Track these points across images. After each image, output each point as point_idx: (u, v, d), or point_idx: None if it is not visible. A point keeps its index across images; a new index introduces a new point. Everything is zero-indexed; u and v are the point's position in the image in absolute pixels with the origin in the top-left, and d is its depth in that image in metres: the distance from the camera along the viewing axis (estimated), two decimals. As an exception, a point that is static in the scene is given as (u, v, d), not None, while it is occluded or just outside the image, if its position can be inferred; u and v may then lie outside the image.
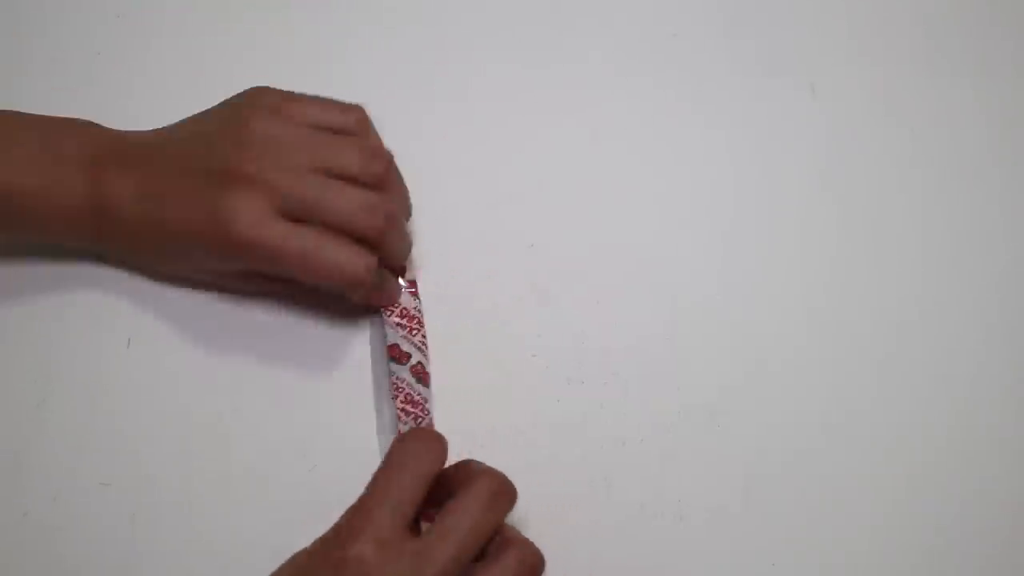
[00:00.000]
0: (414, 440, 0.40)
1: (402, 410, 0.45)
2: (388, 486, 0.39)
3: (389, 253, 0.46)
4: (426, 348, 0.47)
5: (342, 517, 0.39)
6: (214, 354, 0.48)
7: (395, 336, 0.47)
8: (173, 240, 0.45)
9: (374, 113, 0.54)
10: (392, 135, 0.53)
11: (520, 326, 0.49)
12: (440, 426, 0.46)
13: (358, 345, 0.48)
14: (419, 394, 0.46)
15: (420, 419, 0.45)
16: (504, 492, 0.40)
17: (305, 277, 0.44)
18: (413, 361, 0.46)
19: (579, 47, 0.56)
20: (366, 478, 0.45)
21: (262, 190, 0.43)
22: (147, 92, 0.53)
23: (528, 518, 0.44)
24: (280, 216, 0.43)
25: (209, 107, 0.47)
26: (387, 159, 0.46)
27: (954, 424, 0.48)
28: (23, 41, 0.54)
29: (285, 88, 0.47)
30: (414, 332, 0.47)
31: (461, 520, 0.38)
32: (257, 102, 0.46)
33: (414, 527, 0.39)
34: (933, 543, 0.46)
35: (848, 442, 0.47)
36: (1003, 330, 0.50)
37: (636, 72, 0.56)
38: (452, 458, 0.45)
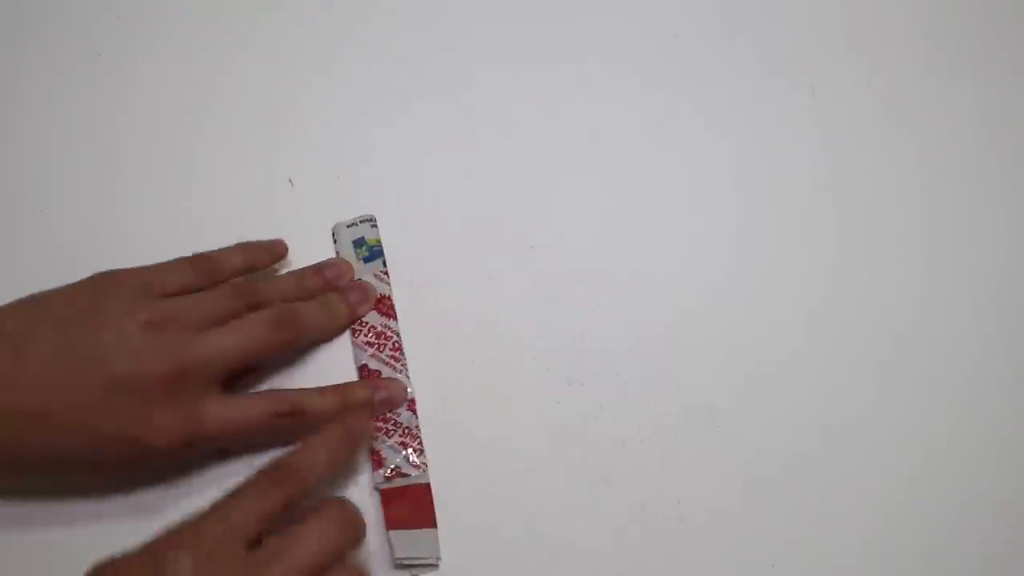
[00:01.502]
0: (272, 472, 0.39)
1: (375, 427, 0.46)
2: (229, 504, 0.38)
3: (312, 334, 0.46)
4: (397, 361, 0.47)
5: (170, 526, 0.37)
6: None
7: (363, 356, 0.47)
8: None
9: (375, 112, 0.54)
10: (392, 136, 0.53)
11: (520, 327, 0.49)
12: (440, 427, 0.46)
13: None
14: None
15: (390, 432, 0.45)
16: (351, 523, 0.39)
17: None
18: (382, 376, 0.47)
19: (579, 48, 0.56)
20: (356, 476, 0.45)
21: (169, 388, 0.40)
22: (147, 93, 0.53)
23: (528, 519, 0.45)
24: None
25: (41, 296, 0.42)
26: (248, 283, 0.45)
27: (954, 425, 0.48)
28: (23, 42, 0.54)
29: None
30: (382, 348, 0.47)
31: (300, 542, 0.37)
32: (111, 290, 0.42)
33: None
34: (933, 543, 0.46)
35: (848, 443, 0.47)
36: (1003, 330, 0.50)
37: (636, 73, 0.56)
38: (451, 461, 0.46)
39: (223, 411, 0.42)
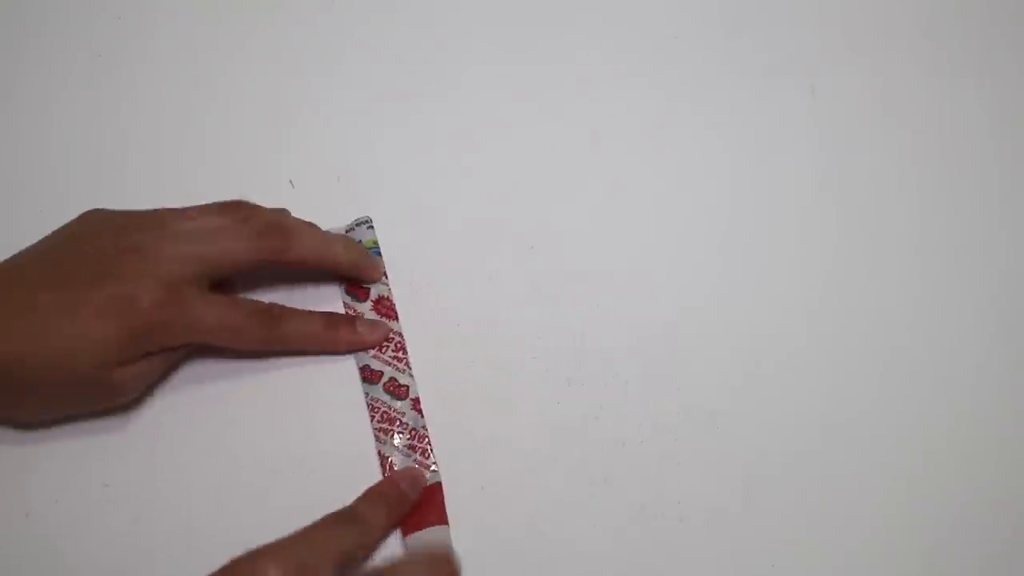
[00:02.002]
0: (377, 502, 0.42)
1: (379, 429, 0.46)
2: (310, 533, 0.39)
3: (302, 252, 0.46)
4: (400, 361, 0.47)
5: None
6: (214, 355, 0.48)
7: (365, 358, 0.47)
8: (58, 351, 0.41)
9: (375, 113, 0.54)
10: (392, 136, 0.53)
11: (520, 328, 0.49)
12: (440, 427, 0.46)
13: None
14: (395, 410, 0.46)
15: (398, 435, 0.45)
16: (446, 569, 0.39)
17: (211, 340, 0.44)
18: (385, 378, 0.47)
19: (579, 48, 0.56)
20: (363, 478, 0.45)
21: (152, 260, 0.42)
22: (147, 93, 0.53)
23: (528, 519, 0.45)
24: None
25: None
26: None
27: (954, 425, 0.48)
28: (24, 43, 0.54)
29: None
30: (384, 348, 0.47)
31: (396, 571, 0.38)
32: (96, 217, 0.44)
33: None
34: (933, 544, 0.46)
35: (848, 443, 0.47)
36: (1003, 330, 0.50)
37: (636, 73, 0.56)
38: (451, 461, 0.46)
39: (208, 305, 0.43)
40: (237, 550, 0.44)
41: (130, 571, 0.43)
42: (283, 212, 0.47)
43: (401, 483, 0.44)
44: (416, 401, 0.46)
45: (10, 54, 0.54)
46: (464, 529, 0.44)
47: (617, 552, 0.44)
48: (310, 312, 0.47)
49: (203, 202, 0.50)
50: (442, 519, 0.44)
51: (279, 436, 0.46)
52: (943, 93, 0.56)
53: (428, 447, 0.45)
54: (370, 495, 0.43)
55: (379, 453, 0.45)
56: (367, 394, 0.46)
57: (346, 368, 0.47)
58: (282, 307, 0.46)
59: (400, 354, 0.47)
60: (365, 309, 0.48)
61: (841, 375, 0.49)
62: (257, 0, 0.57)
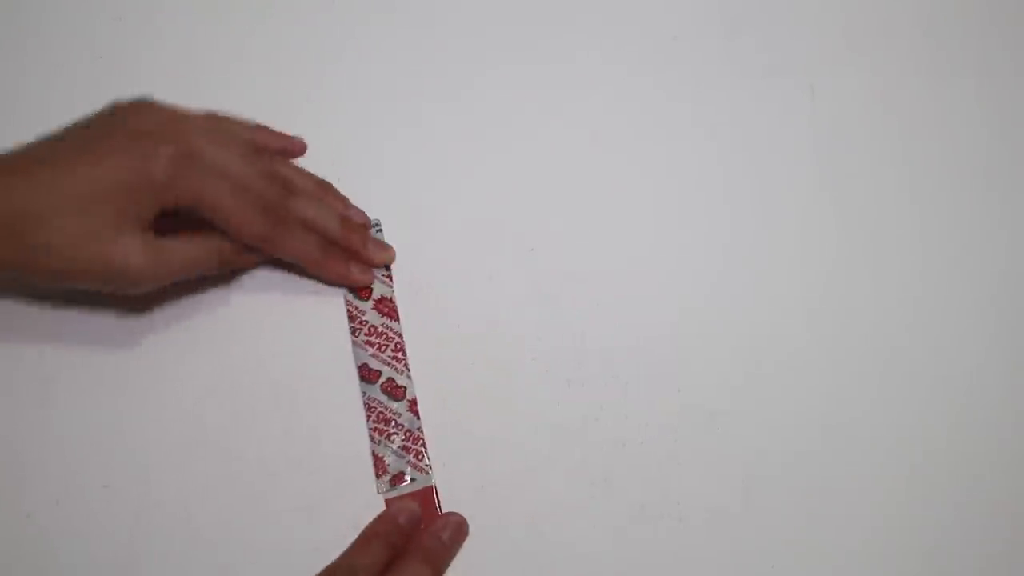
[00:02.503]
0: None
1: (375, 430, 0.46)
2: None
3: (304, 216, 0.47)
4: (399, 362, 0.47)
5: None
6: (215, 355, 0.48)
7: (364, 356, 0.47)
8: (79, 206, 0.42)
9: (375, 114, 0.54)
10: (392, 136, 0.53)
11: (521, 329, 0.49)
12: (440, 428, 0.46)
13: (359, 347, 0.48)
14: (391, 411, 0.46)
15: (392, 436, 0.45)
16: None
17: (215, 216, 0.44)
18: (384, 378, 0.47)
19: (580, 49, 0.56)
20: (365, 482, 0.45)
21: (173, 140, 0.43)
22: (147, 94, 0.53)
23: (528, 519, 0.45)
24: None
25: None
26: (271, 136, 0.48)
27: (953, 424, 0.48)
28: (24, 44, 0.54)
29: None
30: (383, 348, 0.47)
31: None
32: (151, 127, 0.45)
33: None
34: (933, 543, 0.46)
35: (848, 443, 0.47)
36: (1003, 330, 0.50)
37: (636, 74, 0.56)
38: (451, 461, 0.46)
39: (221, 176, 0.44)
40: (236, 550, 0.44)
41: (130, 571, 0.43)
42: (323, 187, 0.49)
43: (399, 517, 0.44)
44: (413, 402, 0.46)
45: (11, 55, 0.54)
46: (473, 532, 0.44)
47: (617, 552, 0.44)
48: (311, 229, 0.47)
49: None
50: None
51: (279, 437, 0.46)
52: (943, 93, 0.56)
53: (423, 449, 0.45)
54: (367, 537, 0.43)
55: (373, 453, 0.45)
56: (364, 393, 0.46)
57: (346, 368, 0.48)
58: (290, 213, 0.46)
59: (399, 355, 0.47)
60: (367, 308, 0.48)
61: (841, 375, 0.49)
62: (257, 1, 0.57)
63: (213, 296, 0.49)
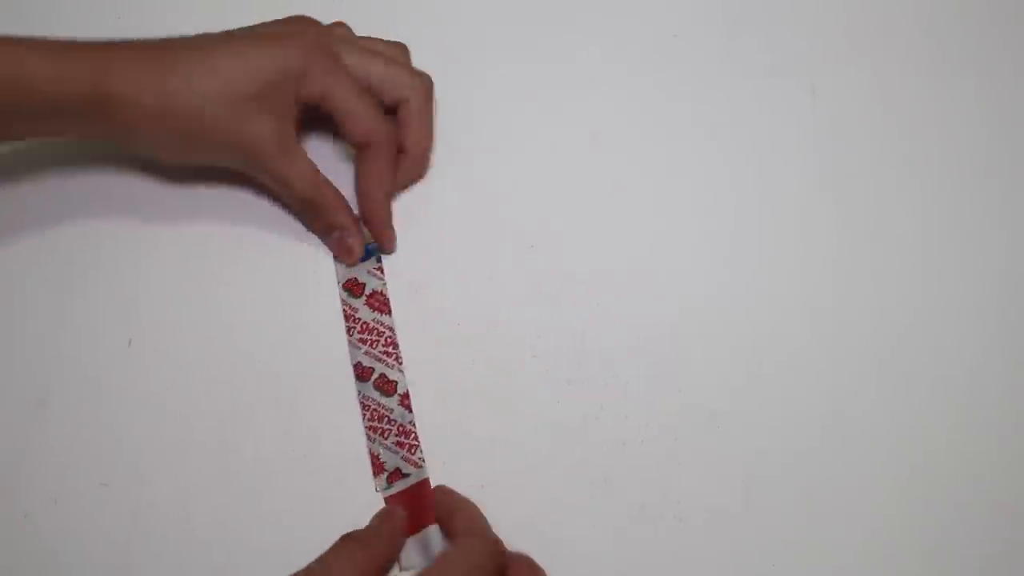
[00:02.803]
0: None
1: (370, 428, 0.46)
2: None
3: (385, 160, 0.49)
4: (390, 356, 0.47)
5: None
6: (214, 355, 0.48)
7: (357, 354, 0.47)
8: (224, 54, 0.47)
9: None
10: (392, 136, 0.53)
11: (520, 327, 0.49)
12: (440, 427, 0.46)
13: (358, 346, 0.48)
14: (384, 407, 0.46)
15: (387, 432, 0.45)
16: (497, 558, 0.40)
17: (338, 107, 0.48)
18: (376, 375, 0.47)
19: (579, 47, 0.56)
20: (365, 481, 0.45)
21: (313, 40, 0.48)
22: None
23: (529, 519, 0.44)
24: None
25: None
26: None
27: (954, 424, 0.48)
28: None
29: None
30: (374, 344, 0.47)
31: None
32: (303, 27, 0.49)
33: None
34: (933, 543, 0.45)
35: (848, 443, 0.47)
36: (1003, 330, 0.50)
37: (636, 72, 0.56)
38: (451, 461, 0.46)
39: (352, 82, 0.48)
40: (235, 550, 0.44)
41: (128, 571, 0.43)
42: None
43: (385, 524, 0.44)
44: (404, 396, 0.46)
45: (10, 54, 0.54)
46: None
47: (617, 552, 0.44)
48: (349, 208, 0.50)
49: (204, 202, 0.50)
50: (431, 519, 0.44)
51: (277, 435, 0.46)
52: (943, 93, 0.56)
53: (415, 443, 0.45)
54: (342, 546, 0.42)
55: (370, 452, 0.45)
56: (360, 392, 0.47)
57: (343, 366, 0.47)
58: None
59: (390, 349, 0.47)
60: (360, 305, 0.48)
61: (841, 375, 0.49)
62: (258, 0, 0.56)
63: (211, 294, 0.49)
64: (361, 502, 0.44)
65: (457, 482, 0.45)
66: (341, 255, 0.49)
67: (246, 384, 0.47)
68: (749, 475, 0.46)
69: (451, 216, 0.51)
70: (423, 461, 0.45)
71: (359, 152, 0.50)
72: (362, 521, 0.43)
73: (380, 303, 0.48)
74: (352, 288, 0.49)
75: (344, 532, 0.42)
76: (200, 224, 0.51)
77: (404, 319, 0.49)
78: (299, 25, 0.49)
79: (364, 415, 0.46)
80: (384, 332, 0.48)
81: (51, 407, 0.46)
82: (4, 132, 0.47)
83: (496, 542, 0.41)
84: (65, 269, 0.49)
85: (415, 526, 0.44)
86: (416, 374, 0.47)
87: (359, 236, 0.49)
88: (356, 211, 0.50)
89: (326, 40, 0.48)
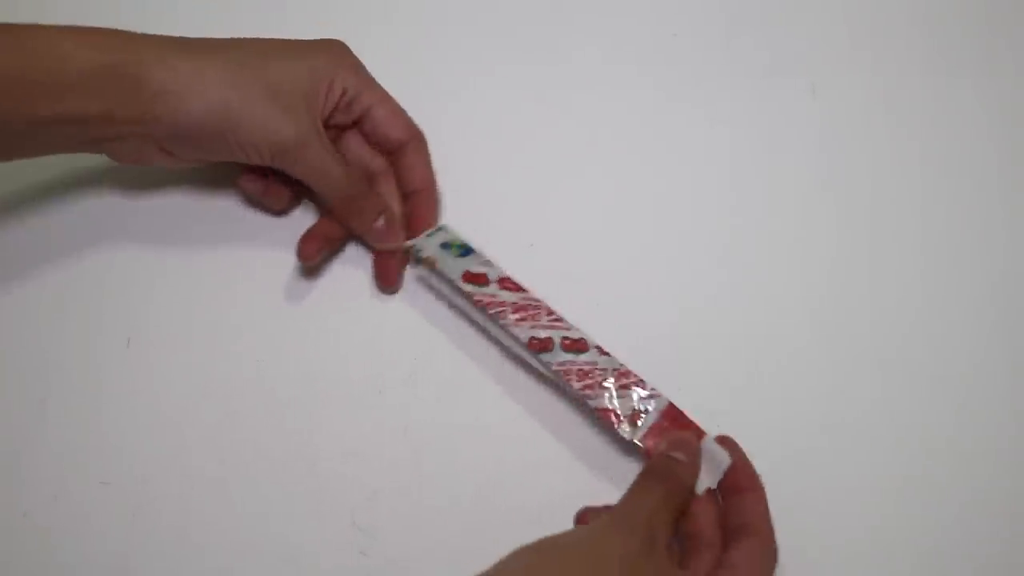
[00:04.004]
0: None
1: (584, 388, 0.44)
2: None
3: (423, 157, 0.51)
4: (560, 322, 0.46)
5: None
6: (214, 355, 0.48)
7: (525, 332, 0.46)
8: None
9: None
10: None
11: (520, 326, 0.49)
12: (440, 426, 0.46)
13: (359, 347, 0.48)
14: (586, 363, 0.45)
15: (604, 384, 0.44)
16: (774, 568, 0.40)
17: (368, 118, 0.49)
18: (558, 340, 0.45)
19: (579, 47, 0.56)
20: (365, 480, 0.45)
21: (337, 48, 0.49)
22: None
23: (529, 519, 0.44)
24: None
25: None
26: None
27: (954, 424, 0.48)
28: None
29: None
30: (537, 317, 0.46)
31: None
32: (339, 44, 0.50)
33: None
34: (933, 543, 0.45)
35: (848, 443, 0.47)
36: (1004, 330, 0.50)
37: (636, 72, 0.56)
38: (451, 460, 0.46)
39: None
40: (236, 549, 0.44)
41: (129, 570, 0.43)
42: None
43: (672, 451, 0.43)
44: (600, 348, 0.45)
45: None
46: (464, 528, 0.44)
47: (617, 551, 0.44)
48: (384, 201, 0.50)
49: (203, 201, 0.50)
50: (700, 431, 0.44)
51: (278, 434, 0.46)
52: (943, 92, 0.56)
53: (639, 378, 0.45)
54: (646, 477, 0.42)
55: (597, 410, 0.44)
56: (551, 364, 0.45)
57: (345, 364, 0.47)
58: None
59: (556, 316, 0.46)
60: (495, 291, 0.47)
61: (841, 375, 0.49)
62: (258, 0, 0.57)
63: (211, 292, 0.49)
64: (362, 500, 0.44)
65: (457, 480, 0.45)
66: (387, 237, 0.49)
67: (246, 383, 0.47)
68: (749, 475, 0.46)
69: (451, 215, 0.51)
70: (655, 390, 0.44)
71: (401, 149, 0.50)
72: (362, 518, 0.43)
73: (514, 284, 0.47)
74: (474, 279, 0.47)
75: (344, 530, 0.42)
76: (199, 226, 0.51)
77: (405, 319, 0.49)
78: (328, 40, 0.50)
79: (569, 381, 0.45)
80: (541, 305, 0.46)
81: (51, 407, 0.46)
82: (28, 113, 0.43)
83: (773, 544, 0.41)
84: (65, 269, 0.49)
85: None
86: (417, 373, 0.47)
87: (396, 224, 0.50)
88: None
89: (353, 56, 0.49)
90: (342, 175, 0.48)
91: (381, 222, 0.49)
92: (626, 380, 0.45)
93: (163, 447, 0.46)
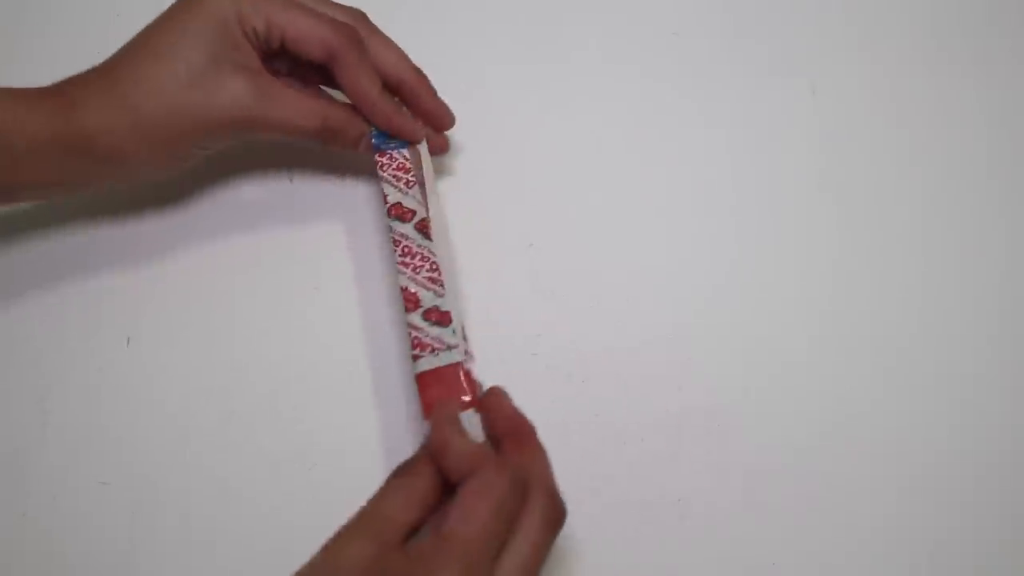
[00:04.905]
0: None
1: (401, 263, 0.44)
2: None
3: (363, 61, 0.46)
4: (428, 205, 0.46)
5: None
6: (214, 354, 0.48)
7: (394, 195, 0.45)
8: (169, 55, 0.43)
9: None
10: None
11: (520, 325, 0.49)
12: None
13: (359, 346, 0.48)
14: (418, 246, 0.44)
15: (418, 269, 0.44)
16: (559, 521, 0.38)
17: (286, 41, 0.45)
18: (417, 218, 0.45)
19: (580, 45, 0.56)
20: (364, 478, 0.45)
21: None
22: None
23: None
24: None
25: None
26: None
27: (954, 424, 0.48)
28: (23, 41, 0.54)
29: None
30: (410, 185, 0.46)
31: (523, 545, 0.36)
32: None
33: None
34: (933, 543, 0.45)
35: (848, 442, 0.47)
36: (1004, 329, 0.50)
37: (637, 70, 0.56)
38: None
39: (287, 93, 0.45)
40: (236, 548, 0.44)
41: (129, 570, 0.43)
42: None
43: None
44: (463, 329, 0.44)
45: (10, 53, 0.54)
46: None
47: (618, 551, 0.44)
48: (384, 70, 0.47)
49: (202, 201, 0.50)
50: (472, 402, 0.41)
51: (279, 432, 0.46)
52: (944, 92, 0.56)
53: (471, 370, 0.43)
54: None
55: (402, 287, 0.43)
56: (393, 230, 0.45)
57: (346, 363, 0.47)
58: (366, 44, 0.47)
59: (434, 277, 0.44)
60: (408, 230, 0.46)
61: (842, 374, 0.49)
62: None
63: (212, 291, 0.49)
64: (363, 499, 0.44)
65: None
66: (403, 133, 0.47)
67: (246, 383, 0.47)
68: (749, 474, 0.46)
69: (451, 214, 0.51)
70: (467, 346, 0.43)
71: (331, 67, 0.46)
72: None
73: (425, 228, 0.46)
74: (401, 215, 0.46)
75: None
76: (198, 225, 0.51)
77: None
78: None
79: (395, 250, 0.44)
80: (428, 258, 0.45)
81: (51, 407, 0.46)
82: None
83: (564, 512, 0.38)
84: (66, 270, 0.49)
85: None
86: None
87: (400, 114, 0.47)
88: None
89: None
90: (311, 123, 0.45)
91: (366, 142, 0.47)
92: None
93: (163, 447, 0.46)
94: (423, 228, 0.45)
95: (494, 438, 0.40)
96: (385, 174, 0.47)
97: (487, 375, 0.47)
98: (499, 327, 0.48)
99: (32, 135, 0.42)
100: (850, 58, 0.57)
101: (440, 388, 0.42)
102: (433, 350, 0.42)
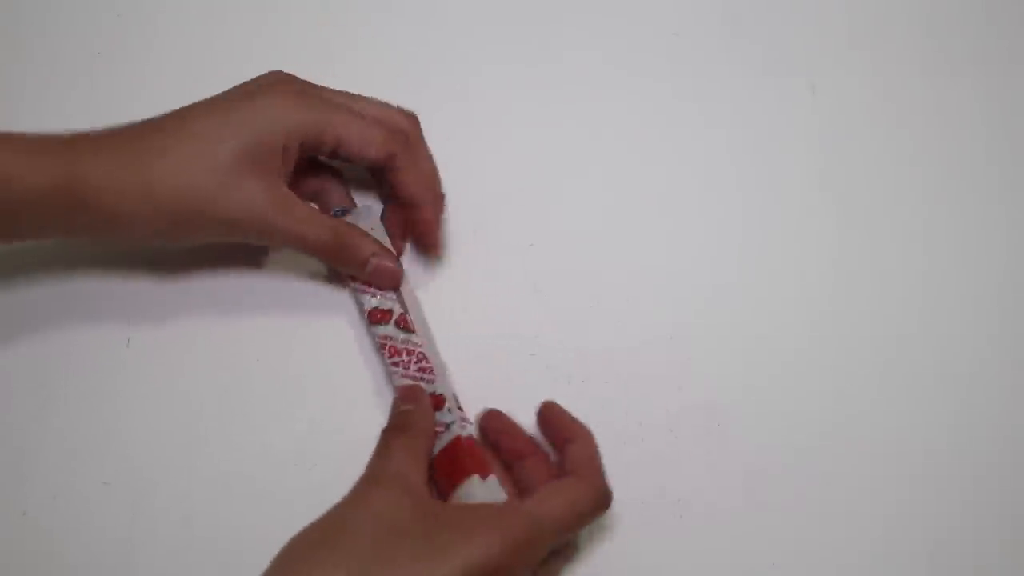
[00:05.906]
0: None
1: (392, 363, 0.46)
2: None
3: (414, 165, 0.47)
4: (403, 297, 0.47)
5: None
6: (214, 354, 0.48)
7: (370, 302, 0.47)
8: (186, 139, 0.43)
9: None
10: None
11: (520, 325, 0.49)
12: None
13: (359, 345, 0.48)
14: (402, 342, 0.46)
15: (407, 365, 0.46)
16: (601, 507, 0.42)
17: (342, 146, 0.45)
18: (396, 316, 0.46)
19: (579, 46, 0.56)
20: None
21: (287, 83, 0.45)
22: (147, 92, 0.53)
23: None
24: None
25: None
26: (413, 118, 0.48)
27: (955, 424, 0.48)
28: (23, 41, 0.54)
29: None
30: (407, 366, 0.46)
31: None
32: (280, 77, 0.46)
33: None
34: (934, 542, 0.45)
35: (848, 442, 0.47)
36: (1005, 329, 0.50)
37: (636, 71, 0.56)
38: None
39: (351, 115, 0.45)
40: (236, 547, 0.44)
41: (129, 570, 0.43)
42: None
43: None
44: (458, 403, 0.46)
45: (10, 53, 0.54)
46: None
47: (618, 550, 0.44)
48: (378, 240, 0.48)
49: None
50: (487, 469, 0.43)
51: (280, 432, 0.46)
52: (944, 91, 0.56)
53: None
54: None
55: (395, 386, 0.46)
56: (376, 334, 0.47)
57: (346, 362, 0.47)
58: (416, 141, 0.48)
59: (423, 367, 0.46)
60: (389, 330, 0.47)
61: (842, 373, 0.49)
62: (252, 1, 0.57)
63: (212, 292, 0.49)
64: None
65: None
66: (384, 282, 0.47)
67: (246, 383, 0.47)
68: (749, 473, 0.46)
69: (450, 214, 0.51)
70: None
71: (388, 168, 0.46)
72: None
73: (406, 323, 0.47)
74: (380, 318, 0.47)
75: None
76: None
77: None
78: (276, 75, 0.46)
79: (383, 353, 0.47)
80: (415, 352, 0.46)
81: (51, 406, 0.46)
82: None
83: (606, 494, 0.42)
84: (66, 270, 0.49)
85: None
86: (416, 373, 0.47)
87: (392, 254, 0.47)
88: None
89: (307, 85, 0.46)
90: (321, 238, 0.45)
91: (373, 264, 0.46)
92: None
93: (164, 447, 0.46)
94: (403, 323, 0.46)
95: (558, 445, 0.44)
96: (356, 284, 0.48)
97: (487, 375, 0.48)
98: (499, 327, 0.48)
99: (31, 184, 0.41)
100: (850, 58, 0.56)
101: (451, 464, 0.43)
102: (435, 435, 0.44)
